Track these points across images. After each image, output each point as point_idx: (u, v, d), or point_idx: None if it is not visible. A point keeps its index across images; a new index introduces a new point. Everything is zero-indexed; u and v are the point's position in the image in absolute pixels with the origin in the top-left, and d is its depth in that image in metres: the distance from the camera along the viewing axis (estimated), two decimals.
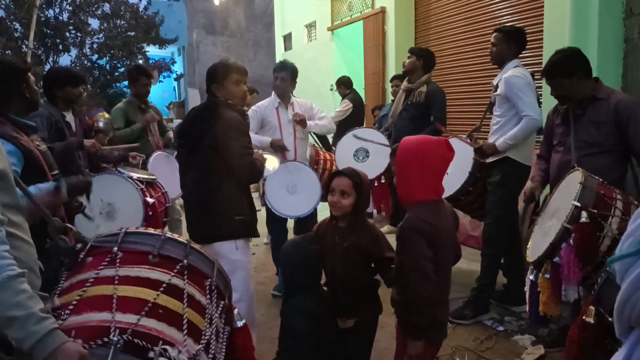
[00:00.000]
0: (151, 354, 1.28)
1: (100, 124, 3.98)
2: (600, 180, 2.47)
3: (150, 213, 3.34)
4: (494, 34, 3.62)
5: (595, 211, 2.32)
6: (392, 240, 2.46)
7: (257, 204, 3.62)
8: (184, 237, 1.74)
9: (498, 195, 3.58)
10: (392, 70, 7.21)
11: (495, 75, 3.73)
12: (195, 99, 17.59)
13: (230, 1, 16.51)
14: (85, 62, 13.26)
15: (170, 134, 4.95)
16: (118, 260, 1.52)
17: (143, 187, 3.40)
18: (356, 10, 8.39)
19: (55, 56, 12.68)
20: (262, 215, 3.06)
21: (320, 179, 4.13)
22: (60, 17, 12.61)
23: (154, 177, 3.67)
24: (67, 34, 12.82)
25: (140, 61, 13.79)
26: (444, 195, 3.55)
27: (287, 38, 11.77)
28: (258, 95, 6.09)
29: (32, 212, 1.70)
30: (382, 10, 7.40)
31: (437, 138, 2.23)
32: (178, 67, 18.89)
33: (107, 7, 13.25)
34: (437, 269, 2.06)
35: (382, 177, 4.62)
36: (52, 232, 1.65)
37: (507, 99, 3.47)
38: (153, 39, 14.31)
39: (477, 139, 3.88)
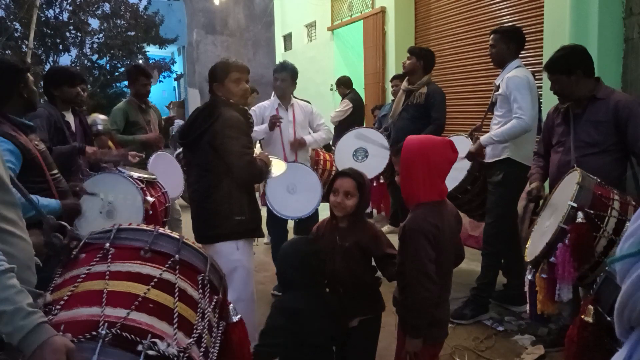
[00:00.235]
0: (139, 347, 1.29)
1: (99, 127, 3.97)
2: (598, 180, 2.48)
3: (151, 212, 3.34)
4: (492, 36, 3.62)
5: (592, 211, 2.33)
6: (392, 239, 2.47)
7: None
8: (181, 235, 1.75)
9: (498, 194, 3.59)
10: (392, 70, 7.21)
11: (496, 75, 3.73)
12: (195, 99, 17.59)
13: (230, 1, 16.51)
14: (85, 62, 13.24)
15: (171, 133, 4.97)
16: (110, 256, 1.53)
17: (143, 186, 3.40)
18: (356, 10, 8.39)
19: (55, 56, 12.67)
20: (262, 215, 3.05)
21: (320, 179, 4.13)
22: (60, 17, 12.59)
23: (154, 176, 3.66)
24: (67, 34, 12.80)
25: (140, 61, 13.78)
26: None
27: (287, 38, 11.77)
28: (258, 95, 6.09)
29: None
30: (382, 10, 7.41)
31: (442, 139, 2.23)
32: (178, 67, 18.88)
33: (107, 7, 13.23)
34: (438, 270, 2.06)
35: (381, 177, 4.62)
36: (46, 229, 1.66)
37: (508, 99, 3.47)
38: (153, 39, 14.30)
39: (478, 139, 3.88)
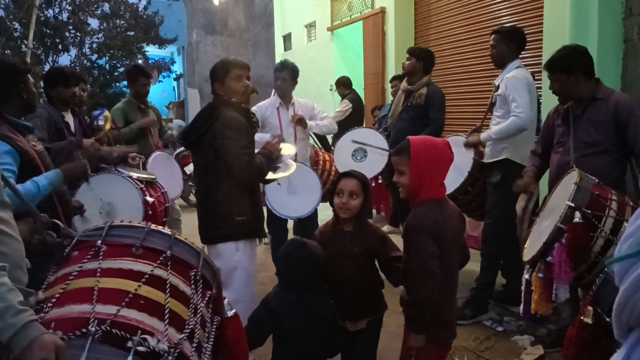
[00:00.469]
0: (129, 344, 1.30)
1: (101, 122, 3.98)
2: (597, 180, 2.48)
3: (150, 212, 3.34)
4: (492, 36, 3.62)
5: (589, 211, 2.33)
6: (393, 239, 2.47)
7: None
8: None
9: (497, 195, 3.59)
10: (391, 70, 7.21)
11: (496, 75, 3.73)
12: (194, 99, 17.57)
13: (229, 1, 16.50)
14: (85, 62, 13.23)
15: (170, 132, 4.97)
16: (101, 253, 1.54)
17: (143, 186, 3.40)
18: (356, 10, 8.39)
19: (54, 56, 12.66)
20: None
21: (320, 179, 4.13)
22: (60, 17, 12.58)
23: (153, 176, 3.67)
24: (67, 34, 12.79)
25: (140, 61, 13.77)
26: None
27: (287, 38, 11.78)
28: (258, 96, 6.07)
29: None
30: (382, 11, 7.41)
31: (442, 139, 2.27)
32: (177, 67, 18.87)
33: (106, 6, 13.22)
34: (443, 269, 2.07)
35: (380, 177, 4.62)
36: (39, 227, 1.66)
37: (507, 100, 3.47)
38: (152, 39, 14.29)
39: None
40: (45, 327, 1.28)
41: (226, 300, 1.82)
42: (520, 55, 3.65)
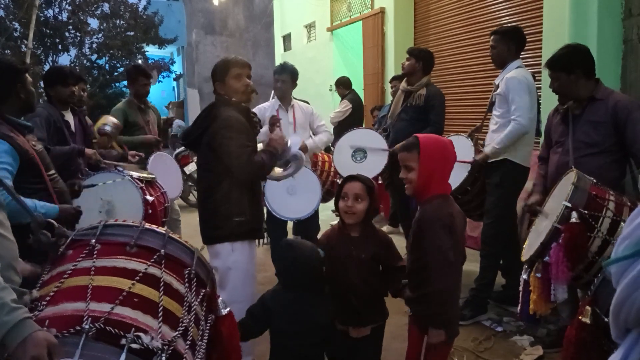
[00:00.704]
0: (123, 341, 1.30)
1: (107, 129, 3.97)
2: (595, 181, 2.48)
3: (150, 211, 3.34)
4: (492, 37, 3.63)
5: (586, 212, 2.33)
6: (393, 240, 2.47)
7: None
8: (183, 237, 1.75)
9: (497, 195, 3.59)
10: (391, 70, 7.22)
11: (495, 75, 3.74)
12: (194, 99, 17.57)
13: (229, 1, 16.50)
14: (85, 62, 13.25)
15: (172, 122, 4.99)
16: (96, 252, 1.54)
17: (143, 185, 3.40)
18: (355, 10, 8.40)
19: (54, 56, 12.67)
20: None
21: (319, 180, 4.13)
22: (60, 17, 12.60)
23: (153, 176, 3.67)
24: (67, 34, 12.81)
25: (140, 61, 13.79)
26: None
27: (287, 38, 11.78)
28: (257, 96, 6.06)
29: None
30: (382, 11, 7.41)
31: (447, 139, 2.30)
32: (177, 67, 18.88)
33: (106, 7, 13.24)
34: (457, 261, 2.10)
35: (379, 177, 4.62)
36: (34, 227, 1.66)
37: (507, 99, 3.48)
38: (152, 39, 14.31)
39: (477, 139, 3.89)
40: (39, 325, 1.29)
41: (220, 298, 1.83)
42: (520, 56, 3.65)
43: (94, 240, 1.58)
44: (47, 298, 1.42)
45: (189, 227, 4.22)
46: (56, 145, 3.29)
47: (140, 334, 1.33)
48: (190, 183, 7.37)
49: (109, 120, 4.01)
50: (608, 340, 1.61)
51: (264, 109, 4.25)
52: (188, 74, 18.46)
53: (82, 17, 12.78)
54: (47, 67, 11.81)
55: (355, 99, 7.23)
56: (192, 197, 7.59)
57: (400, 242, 2.54)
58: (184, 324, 1.49)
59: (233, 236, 2.70)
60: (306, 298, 2.18)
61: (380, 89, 7.63)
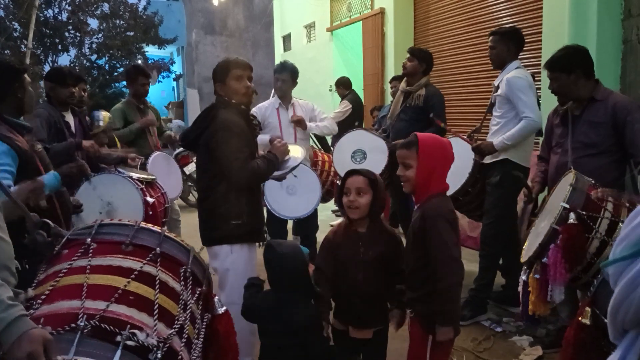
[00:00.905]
0: (118, 338, 1.31)
1: (100, 123, 3.98)
2: (593, 182, 2.48)
3: (150, 212, 3.34)
4: (491, 37, 3.62)
5: (584, 213, 2.33)
6: None
7: None
8: (182, 238, 1.76)
9: (496, 196, 3.59)
10: (391, 71, 7.22)
11: (495, 76, 3.74)
12: (194, 99, 17.56)
13: (229, 1, 16.50)
14: (84, 62, 13.23)
15: (169, 132, 4.98)
16: (91, 251, 1.55)
17: (143, 186, 3.40)
18: (355, 11, 8.40)
19: (54, 56, 12.66)
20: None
21: (319, 180, 4.13)
22: (60, 17, 12.59)
23: (153, 177, 3.67)
24: (66, 34, 12.79)
25: (139, 61, 13.78)
26: None
27: (286, 38, 11.78)
28: (257, 96, 6.06)
29: (10, 208, 1.73)
30: (381, 11, 7.41)
31: (445, 138, 2.31)
32: (177, 67, 18.86)
33: (106, 7, 13.22)
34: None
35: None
36: (30, 227, 1.67)
37: (507, 100, 3.47)
38: (152, 39, 14.29)
39: (477, 140, 3.88)
40: (35, 323, 1.29)
41: (217, 297, 1.83)
42: (520, 56, 3.65)
43: (89, 239, 1.59)
44: (43, 297, 1.43)
45: (189, 227, 4.22)
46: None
47: (136, 331, 1.34)
48: (190, 183, 7.37)
49: (100, 115, 4.02)
50: (607, 341, 1.60)
51: (264, 107, 4.26)
52: (188, 74, 18.45)
53: (81, 17, 12.77)
54: (47, 67, 11.82)
55: (355, 99, 7.23)
56: (192, 197, 7.60)
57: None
58: (179, 322, 1.50)
59: (231, 238, 2.67)
60: (288, 299, 2.16)
61: (380, 89, 7.63)
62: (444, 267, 2.05)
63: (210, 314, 1.77)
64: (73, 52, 13.02)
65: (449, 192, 3.61)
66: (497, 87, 3.58)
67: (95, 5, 12.97)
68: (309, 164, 4.38)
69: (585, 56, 2.90)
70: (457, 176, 3.71)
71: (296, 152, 2.95)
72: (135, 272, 1.51)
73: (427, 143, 2.15)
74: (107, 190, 3.29)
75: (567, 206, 2.33)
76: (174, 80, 19.33)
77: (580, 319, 1.73)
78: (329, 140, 6.72)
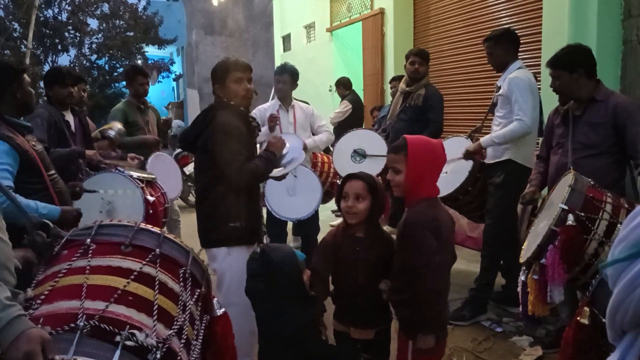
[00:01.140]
0: (117, 338, 1.31)
1: (111, 133, 3.97)
2: (592, 183, 2.48)
3: (151, 211, 3.34)
4: (486, 44, 3.61)
5: (583, 214, 2.33)
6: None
7: None
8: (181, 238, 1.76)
9: (498, 196, 3.59)
10: (391, 71, 7.22)
11: (495, 75, 3.73)
12: (194, 100, 17.56)
13: (229, 1, 16.50)
14: (84, 62, 13.26)
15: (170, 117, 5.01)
16: (90, 252, 1.55)
17: (143, 185, 3.40)
18: (355, 11, 8.40)
19: (54, 56, 12.68)
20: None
21: (319, 181, 4.13)
22: (59, 17, 12.61)
23: (153, 176, 3.67)
24: (66, 34, 12.82)
25: (139, 61, 13.80)
26: (444, 194, 3.59)
27: (286, 39, 11.79)
28: (257, 96, 6.06)
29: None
30: (381, 12, 7.41)
31: (436, 140, 2.27)
32: (177, 68, 18.88)
33: (106, 7, 13.24)
34: (442, 265, 2.08)
35: (379, 177, 4.62)
36: (29, 228, 1.67)
37: (509, 100, 3.47)
38: (152, 39, 14.31)
39: (477, 140, 3.88)
40: (33, 323, 1.29)
41: (216, 299, 1.83)
42: (520, 56, 3.65)
43: (89, 240, 1.59)
44: (42, 297, 1.43)
45: (189, 227, 4.21)
46: (57, 146, 3.30)
47: (135, 331, 1.34)
48: (189, 183, 7.38)
49: (115, 127, 4.02)
50: (606, 341, 1.60)
51: (264, 109, 4.25)
52: (188, 74, 18.46)
53: (81, 18, 12.80)
54: (47, 67, 11.83)
55: (356, 99, 7.23)
56: (192, 198, 7.60)
57: None
58: (178, 323, 1.50)
59: (229, 240, 2.65)
60: (283, 304, 2.16)
61: (379, 89, 7.63)
62: (422, 274, 2.03)
63: (209, 316, 1.77)
64: (73, 52, 13.04)
65: (448, 191, 3.67)
66: (500, 87, 3.58)
67: (95, 6, 12.99)
68: (309, 165, 4.38)
69: (588, 55, 2.90)
70: (457, 175, 3.72)
71: (294, 141, 2.93)
72: (135, 273, 1.51)
73: (417, 147, 2.11)
74: (108, 189, 3.28)
75: (566, 207, 2.33)
76: (174, 80, 19.36)
77: (579, 318, 1.73)
78: None
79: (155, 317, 1.43)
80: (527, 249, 2.58)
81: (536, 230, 2.63)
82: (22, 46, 10.88)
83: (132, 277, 1.49)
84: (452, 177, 3.72)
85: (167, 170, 4.26)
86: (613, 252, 0.87)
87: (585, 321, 1.70)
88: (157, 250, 1.61)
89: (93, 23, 13.21)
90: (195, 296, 1.68)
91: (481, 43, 3.75)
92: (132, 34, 13.49)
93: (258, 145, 4.28)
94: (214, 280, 2.18)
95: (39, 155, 2.48)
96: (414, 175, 2.11)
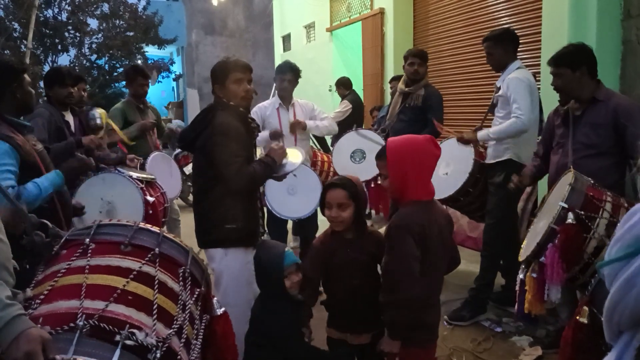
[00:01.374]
0: (117, 338, 1.31)
1: (98, 120, 3.98)
2: (592, 182, 2.48)
3: (151, 212, 3.34)
4: (485, 44, 3.61)
5: (582, 213, 2.33)
6: None
7: None
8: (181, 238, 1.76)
9: (499, 196, 3.59)
10: (390, 71, 7.22)
11: (495, 75, 3.73)
12: (194, 99, 17.58)
13: (229, 1, 16.51)
14: (84, 62, 13.24)
15: (170, 126, 4.99)
16: (90, 251, 1.55)
17: (143, 186, 3.40)
18: (355, 11, 8.40)
19: (54, 56, 12.68)
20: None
21: (319, 180, 4.13)
22: (59, 17, 12.60)
23: (153, 176, 3.67)
24: (66, 34, 12.81)
25: (139, 61, 13.79)
26: (444, 196, 3.60)
27: (286, 39, 11.79)
28: (257, 96, 6.06)
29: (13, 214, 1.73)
30: (381, 11, 7.41)
31: (424, 136, 2.20)
32: (177, 67, 18.87)
33: (106, 7, 13.23)
34: (427, 271, 2.04)
35: (379, 177, 4.62)
36: (28, 228, 1.67)
37: (509, 101, 3.47)
38: (152, 39, 14.30)
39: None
40: (33, 323, 1.29)
41: (215, 298, 1.83)
42: (519, 56, 3.65)
43: (88, 240, 1.59)
44: (41, 297, 1.43)
45: (189, 227, 4.20)
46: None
47: (135, 330, 1.34)
48: (189, 183, 7.37)
49: (96, 112, 4.02)
50: (605, 340, 1.61)
51: (264, 107, 4.25)
52: (188, 74, 18.47)
53: (81, 18, 12.79)
54: (47, 67, 11.83)
55: (356, 99, 7.22)
56: (192, 197, 7.59)
57: None
58: (178, 322, 1.50)
59: (226, 242, 2.63)
60: (267, 305, 2.17)
61: (379, 89, 7.63)
62: (396, 280, 2.02)
63: (208, 315, 1.77)
64: (73, 52, 13.03)
65: (449, 193, 3.67)
66: (499, 88, 3.58)
67: (95, 6, 12.98)
68: (309, 164, 4.38)
69: (590, 54, 2.91)
70: (457, 176, 3.72)
71: (295, 157, 2.91)
72: (134, 272, 1.51)
73: (395, 151, 2.08)
74: (107, 189, 3.29)
75: (566, 206, 2.34)
76: (174, 80, 19.34)
77: (578, 318, 1.73)
78: (329, 140, 6.71)
79: (154, 317, 1.43)
80: (527, 248, 2.58)
81: (535, 230, 2.63)
82: (22, 46, 10.87)
83: (132, 276, 1.49)
84: (452, 178, 3.72)
85: (167, 170, 4.27)
86: (610, 251, 0.88)
87: (585, 320, 1.70)
88: (157, 249, 1.61)
89: (93, 23, 13.19)
90: (195, 295, 1.68)
91: (481, 43, 3.75)
92: (132, 34, 13.48)
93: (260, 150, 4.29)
94: (212, 280, 2.19)
95: (40, 155, 2.48)
96: (396, 179, 2.09)
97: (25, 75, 2.51)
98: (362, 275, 2.27)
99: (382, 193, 5.93)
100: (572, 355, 1.73)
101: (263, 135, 4.00)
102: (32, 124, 2.63)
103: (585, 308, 1.71)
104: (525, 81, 3.40)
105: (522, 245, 2.71)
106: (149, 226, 1.70)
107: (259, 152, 3.61)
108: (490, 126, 3.71)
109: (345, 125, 6.32)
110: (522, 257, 2.57)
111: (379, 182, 4.70)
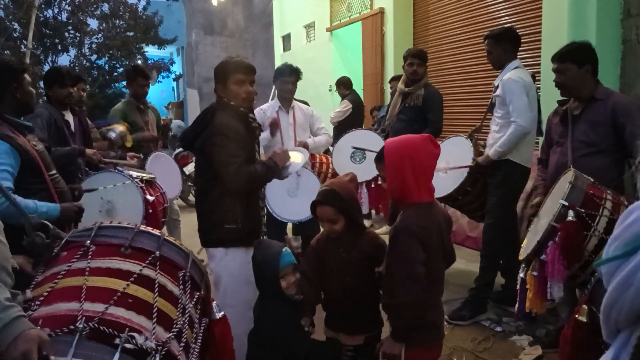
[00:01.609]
0: (117, 341, 1.31)
1: (112, 135, 3.97)
2: (592, 180, 2.49)
3: (150, 211, 3.33)
4: (486, 41, 3.62)
5: (583, 210, 2.34)
6: None
7: None
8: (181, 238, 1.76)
9: (498, 196, 3.59)
10: (390, 70, 7.22)
11: (495, 75, 3.73)
12: (194, 100, 17.58)
13: (229, 1, 16.51)
14: (84, 62, 13.26)
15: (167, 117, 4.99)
16: (90, 253, 1.55)
17: (143, 185, 3.40)
18: (355, 11, 8.40)
19: (54, 56, 12.69)
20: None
21: (320, 183, 4.12)
22: (59, 17, 12.62)
23: (153, 176, 3.67)
24: (66, 34, 12.82)
25: (139, 61, 13.80)
26: (443, 194, 3.60)
27: (286, 39, 11.78)
28: (257, 96, 6.06)
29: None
30: (381, 11, 7.41)
31: (422, 135, 2.17)
32: (177, 68, 18.88)
33: (106, 7, 13.25)
34: (428, 273, 2.04)
35: (379, 178, 4.61)
36: (28, 229, 1.67)
37: (505, 101, 3.47)
38: (152, 39, 14.31)
39: (477, 140, 3.89)
40: (33, 324, 1.29)
41: (215, 302, 1.83)
42: (519, 56, 3.65)
43: (88, 242, 1.58)
44: (41, 298, 1.43)
45: (189, 227, 4.21)
46: (57, 145, 3.30)
47: (134, 334, 1.34)
48: (189, 183, 7.39)
49: (117, 129, 4.01)
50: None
51: (263, 111, 4.24)
52: (188, 74, 18.47)
53: (81, 18, 12.81)
54: (46, 67, 11.83)
55: (356, 99, 7.22)
56: (192, 197, 7.60)
57: None
58: (178, 326, 1.50)
59: (226, 242, 2.63)
60: (265, 304, 2.18)
61: (379, 89, 7.63)
62: (399, 283, 2.01)
63: (208, 319, 1.77)
64: (73, 52, 13.05)
65: (447, 191, 3.67)
66: (497, 87, 3.58)
67: (95, 6, 13.00)
68: (309, 166, 4.37)
69: (594, 53, 2.91)
70: (455, 175, 3.72)
71: (297, 158, 2.92)
72: (135, 275, 1.51)
73: (391, 153, 2.07)
74: (107, 189, 3.28)
75: (566, 204, 2.34)
76: (174, 80, 19.37)
77: (577, 316, 1.74)
78: None
79: (154, 320, 1.43)
80: (527, 247, 2.59)
81: (536, 228, 2.64)
82: (22, 46, 10.89)
83: (132, 279, 1.49)
84: (450, 177, 3.72)
85: (167, 170, 4.26)
86: (607, 250, 0.88)
87: (584, 319, 1.70)
88: (157, 252, 1.61)
89: (93, 23, 13.21)
90: (195, 299, 1.68)
91: (481, 43, 3.75)
92: (132, 34, 13.50)
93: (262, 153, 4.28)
94: (211, 280, 2.18)
95: (40, 155, 2.48)
96: (395, 180, 2.07)
97: (26, 75, 2.51)
98: (358, 276, 2.27)
99: (382, 193, 5.92)
100: (571, 354, 1.73)
101: (264, 135, 4.00)
102: (31, 124, 2.63)
103: (585, 306, 1.71)
104: (519, 81, 3.40)
105: (522, 245, 2.71)
106: (149, 229, 1.70)
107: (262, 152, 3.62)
108: (489, 126, 3.72)
109: (345, 125, 6.32)
110: (522, 255, 2.58)
111: (379, 182, 4.70)
